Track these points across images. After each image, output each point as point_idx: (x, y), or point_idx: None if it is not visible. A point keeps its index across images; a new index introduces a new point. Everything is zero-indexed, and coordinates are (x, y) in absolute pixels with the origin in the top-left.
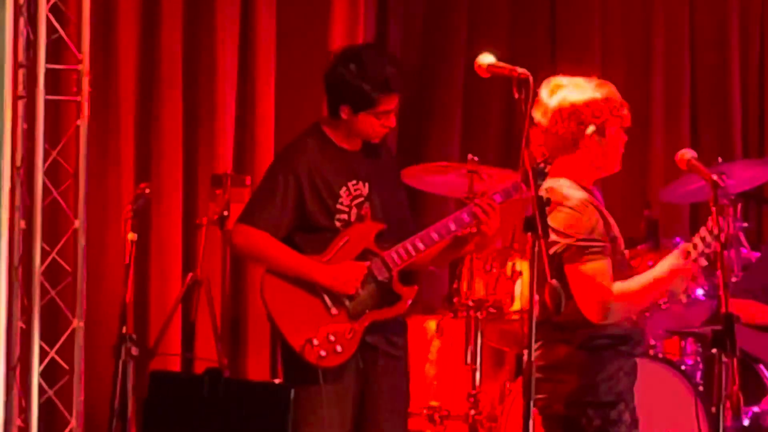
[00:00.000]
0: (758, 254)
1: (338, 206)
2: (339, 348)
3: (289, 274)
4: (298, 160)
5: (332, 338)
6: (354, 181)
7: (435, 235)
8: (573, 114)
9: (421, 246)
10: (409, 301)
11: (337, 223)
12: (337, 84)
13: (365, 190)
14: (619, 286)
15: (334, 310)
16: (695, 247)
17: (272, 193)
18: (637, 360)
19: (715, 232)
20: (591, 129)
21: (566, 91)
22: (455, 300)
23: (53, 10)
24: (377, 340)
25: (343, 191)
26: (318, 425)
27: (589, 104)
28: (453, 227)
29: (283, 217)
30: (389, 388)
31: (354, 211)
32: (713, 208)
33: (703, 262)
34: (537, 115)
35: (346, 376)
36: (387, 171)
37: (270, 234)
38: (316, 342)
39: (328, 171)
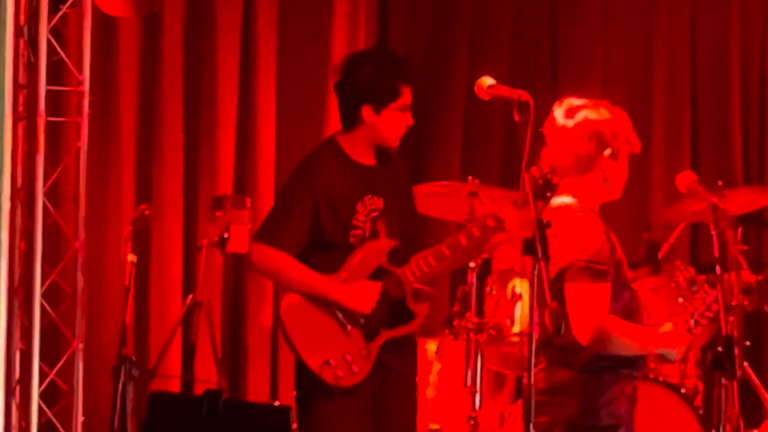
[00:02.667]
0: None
1: (354, 222)
2: (356, 368)
3: (305, 292)
4: (315, 177)
5: (348, 358)
6: (369, 196)
7: (447, 251)
8: (594, 134)
9: (433, 262)
10: (422, 319)
11: (352, 239)
12: (357, 85)
13: (380, 204)
14: (617, 320)
15: (349, 329)
16: (696, 323)
17: (290, 211)
18: (639, 384)
19: (713, 308)
20: (608, 152)
21: (586, 112)
22: (455, 322)
23: (53, 31)
24: (389, 358)
25: (359, 206)
26: None
27: (610, 127)
28: (464, 242)
29: (301, 234)
30: (400, 406)
31: (369, 225)
32: (713, 231)
33: (699, 331)
34: (550, 134)
35: (360, 394)
36: (401, 184)
37: (288, 253)
38: (333, 362)
39: (345, 186)
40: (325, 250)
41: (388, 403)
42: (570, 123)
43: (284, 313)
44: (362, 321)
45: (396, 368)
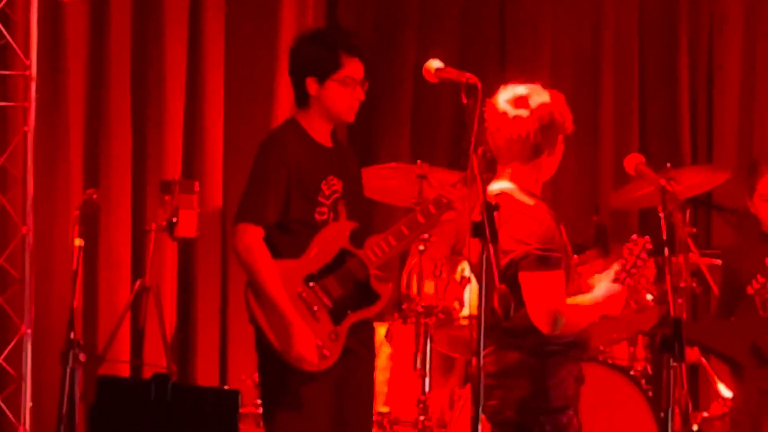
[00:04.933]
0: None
1: (320, 198)
2: (327, 352)
3: (272, 301)
4: (283, 153)
5: (319, 342)
6: (331, 176)
7: (405, 230)
8: (551, 121)
9: (393, 242)
10: (387, 299)
11: (317, 216)
12: (300, 57)
13: (340, 186)
14: (570, 301)
15: (317, 313)
16: (627, 275)
17: (266, 187)
18: (588, 365)
19: (642, 257)
20: (559, 136)
21: (540, 96)
22: (405, 306)
23: (1, 15)
24: (351, 342)
25: (323, 185)
26: (302, 421)
27: (558, 113)
28: (422, 220)
29: (279, 209)
30: (362, 390)
31: (330, 204)
32: (662, 214)
33: (630, 282)
34: (496, 122)
35: (326, 378)
36: (354, 170)
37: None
38: (309, 352)
39: (310, 164)
40: (289, 231)
41: (351, 387)
42: (524, 112)
43: (252, 299)
44: (330, 303)
45: (357, 351)
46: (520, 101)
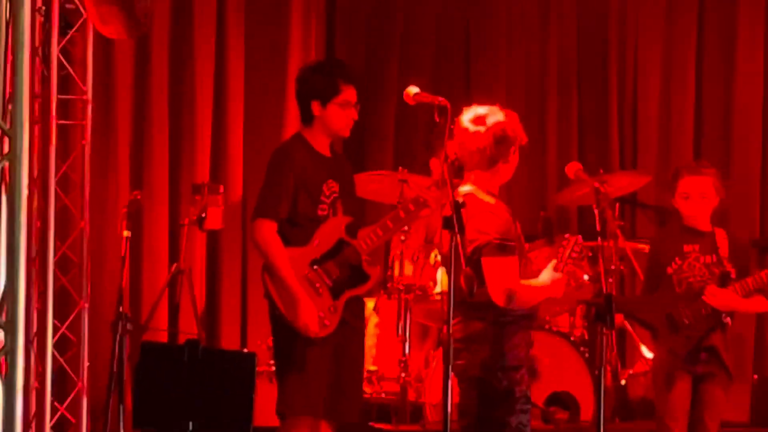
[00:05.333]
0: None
1: (322, 198)
2: (327, 322)
3: (281, 278)
4: (292, 160)
5: (321, 314)
6: (330, 181)
7: (390, 224)
8: (501, 138)
9: (381, 233)
10: (376, 279)
11: (320, 212)
12: (306, 85)
13: (337, 188)
14: (523, 282)
15: (320, 290)
16: (564, 265)
17: (278, 189)
18: (537, 333)
19: (576, 249)
20: (512, 150)
21: (495, 116)
22: (389, 284)
23: (62, 51)
24: (346, 314)
25: (324, 187)
26: (307, 378)
27: (511, 128)
28: (403, 215)
29: (288, 207)
30: (355, 353)
31: (330, 203)
32: (596, 210)
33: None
34: (461, 137)
35: (327, 343)
36: (348, 175)
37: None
38: (315, 321)
39: (313, 171)
40: (297, 224)
41: (346, 351)
42: (482, 129)
43: (268, 279)
44: (330, 282)
45: (351, 322)
46: (479, 120)
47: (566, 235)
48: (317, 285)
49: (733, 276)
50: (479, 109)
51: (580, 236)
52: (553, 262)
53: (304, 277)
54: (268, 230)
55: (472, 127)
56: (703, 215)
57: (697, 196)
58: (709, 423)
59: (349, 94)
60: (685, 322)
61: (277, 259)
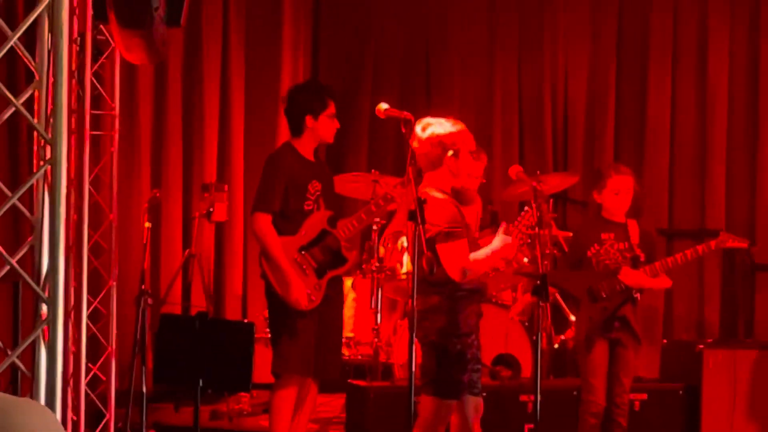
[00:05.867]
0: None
1: (308, 195)
2: (313, 297)
3: (277, 265)
4: (283, 164)
5: (309, 291)
6: (314, 181)
7: (364, 216)
8: (439, 143)
9: (356, 224)
10: (353, 262)
11: (306, 207)
12: (298, 102)
13: (320, 187)
14: (471, 256)
15: (307, 272)
16: (510, 228)
17: (273, 188)
18: (485, 305)
19: (527, 224)
20: (450, 153)
21: (433, 127)
22: (364, 266)
23: (95, 74)
24: (329, 291)
25: (309, 186)
26: (297, 343)
27: (449, 136)
28: (374, 209)
29: (279, 202)
30: (334, 322)
31: (314, 200)
32: (534, 205)
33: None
34: (414, 143)
35: (312, 315)
36: (329, 177)
37: (276, 211)
38: (304, 297)
39: (300, 172)
40: (287, 217)
41: (327, 320)
42: (424, 136)
43: (264, 262)
44: (315, 265)
45: (332, 297)
46: (424, 129)
47: (525, 207)
48: (305, 267)
49: (642, 259)
50: (427, 120)
51: (534, 210)
52: (503, 227)
53: (294, 261)
54: (264, 222)
55: (419, 136)
56: (622, 209)
57: (624, 192)
58: (624, 379)
59: (332, 107)
60: (603, 296)
61: (272, 247)
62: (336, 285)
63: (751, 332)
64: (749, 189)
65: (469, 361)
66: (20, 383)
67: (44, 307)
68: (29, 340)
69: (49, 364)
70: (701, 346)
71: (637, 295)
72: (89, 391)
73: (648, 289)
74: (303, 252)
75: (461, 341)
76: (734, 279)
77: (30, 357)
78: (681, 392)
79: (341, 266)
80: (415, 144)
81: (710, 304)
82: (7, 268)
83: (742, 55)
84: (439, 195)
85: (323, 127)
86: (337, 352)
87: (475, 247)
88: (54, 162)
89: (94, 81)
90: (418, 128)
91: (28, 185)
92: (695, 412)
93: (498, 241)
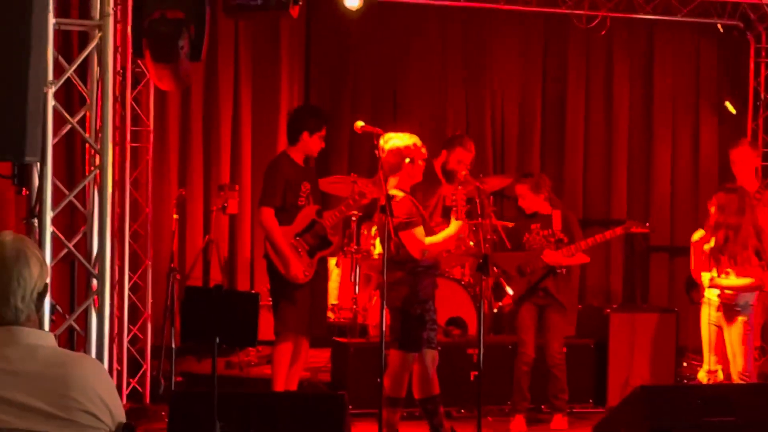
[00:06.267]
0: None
1: (300, 193)
2: (307, 274)
3: (278, 249)
4: (282, 168)
5: (303, 269)
6: (305, 182)
7: (344, 208)
8: (398, 153)
9: (338, 214)
10: (337, 245)
11: (299, 202)
12: (301, 120)
13: (309, 186)
14: (428, 239)
15: (302, 254)
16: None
17: (274, 188)
18: (440, 279)
19: (461, 200)
20: (408, 160)
21: (394, 140)
22: (346, 248)
23: (134, 98)
24: (318, 268)
25: (302, 186)
26: (294, 309)
27: (406, 148)
28: (352, 203)
29: (279, 199)
30: (321, 293)
31: (306, 196)
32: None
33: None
34: (380, 153)
35: (306, 287)
36: (314, 178)
37: (277, 206)
38: (300, 274)
39: (295, 175)
40: (285, 210)
41: (316, 291)
42: (387, 147)
43: (269, 246)
44: (307, 248)
45: (320, 273)
46: (386, 142)
47: (453, 191)
48: (299, 250)
49: (565, 241)
50: (389, 135)
51: (460, 189)
52: (454, 216)
53: (291, 245)
54: (268, 214)
55: (383, 147)
56: (529, 207)
57: (525, 196)
58: (552, 340)
59: (324, 130)
60: (527, 271)
61: (275, 234)
62: (323, 263)
63: (647, 299)
64: (645, 186)
65: (427, 322)
66: (75, 341)
67: (94, 281)
68: (83, 307)
69: (99, 326)
70: (608, 311)
71: (562, 270)
72: (130, 347)
73: (571, 265)
74: (298, 238)
75: (421, 306)
76: (634, 257)
77: (83, 321)
78: (592, 347)
79: (328, 248)
80: (381, 154)
81: (615, 277)
82: (66, 250)
83: (639, 79)
84: (400, 194)
85: (313, 143)
86: (323, 314)
87: (432, 232)
88: (102, 167)
89: (133, 104)
90: (381, 141)
91: (81, 186)
92: (603, 362)
93: (453, 226)
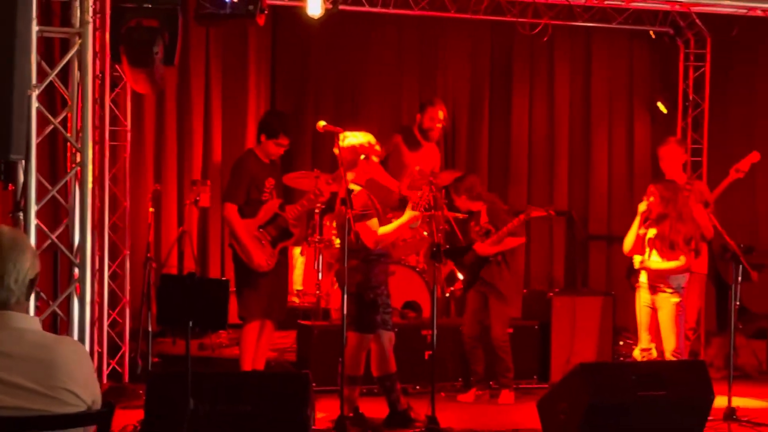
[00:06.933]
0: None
1: (264, 189)
2: (270, 263)
3: (240, 241)
4: (247, 165)
5: (266, 258)
6: (269, 178)
7: (305, 202)
8: (354, 150)
9: (300, 208)
10: (297, 235)
11: (263, 197)
12: (265, 123)
13: (273, 182)
14: (381, 229)
15: (264, 244)
16: (415, 207)
17: (239, 184)
18: (395, 266)
19: (420, 208)
20: (363, 156)
21: (350, 139)
22: (309, 238)
23: (112, 100)
24: (279, 257)
25: (266, 182)
26: (257, 295)
27: (361, 145)
28: (313, 197)
29: (244, 195)
30: (284, 280)
31: (269, 191)
32: (430, 195)
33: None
34: (338, 150)
35: (269, 275)
36: (278, 174)
37: (240, 203)
38: (263, 263)
39: (259, 172)
40: (250, 204)
41: (279, 278)
42: (345, 144)
43: (233, 238)
44: (270, 238)
45: (282, 262)
46: (344, 140)
47: (431, 192)
48: (262, 240)
49: (494, 231)
50: (346, 134)
51: (429, 189)
52: (410, 205)
53: (254, 236)
54: (230, 210)
55: (341, 145)
56: (465, 206)
57: (455, 199)
58: (493, 325)
59: (283, 139)
60: (466, 264)
61: (237, 228)
62: (285, 253)
63: (586, 283)
64: (584, 178)
65: (380, 306)
66: (59, 325)
67: (76, 270)
68: (66, 294)
69: (80, 311)
70: (551, 294)
71: (499, 258)
72: (110, 331)
73: (507, 250)
74: (261, 229)
75: (373, 291)
76: (574, 245)
77: (66, 306)
78: (536, 328)
79: (289, 239)
80: (338, 151)
81: (557, 263)
82: (49, 241)
83: (578, 81)
84: (357, 188)
85: (269, 147)
86: (285, 299)
87: (387, 222)
88: (82, 164)
89: (112, 106)
90: (341, 138)
91: (63, 181)
92: (546, 342)
93: (406, 215)
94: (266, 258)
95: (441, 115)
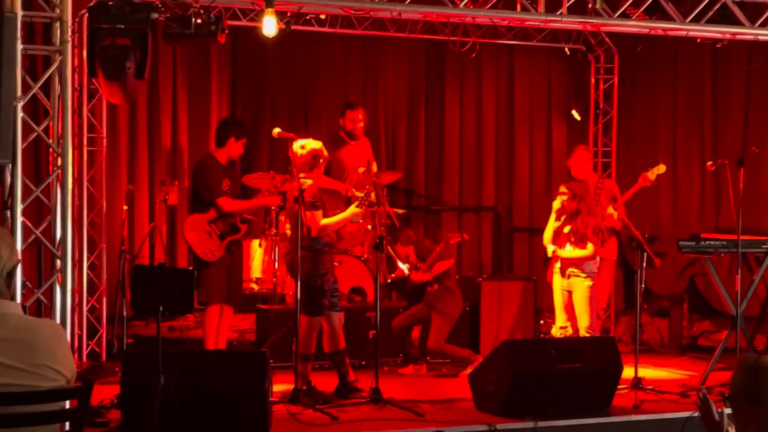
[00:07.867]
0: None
1: (223, 188)
2: (216, 254)
3: (251, 208)
4: (211, 166)
5: (212, 248)
6: (226, 178)
7: (263, 197)
8: (312, 154)
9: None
10: (243, 232)
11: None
12: (230, 127)
13: (229, 183)
14: (324, 221)
15: (213, 237)
16: (360, 204)
17: (212, 179)
18: (342, 256)
19: (365, 201)
20: (321, 161)
21: (312, 144)
22: (266, 232)
23: (90, 110)
24: (231, 248)
25: (224, 182)
26: (213, 285)
27: (319, 149)
28: (266, 195)
29: (220, 187)
30: (237, 268)
31: (225, 191)
32: (372, 192)
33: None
34: (294, 155)
35: (221, 264)
36: (236, 176)
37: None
38: (207, 252)
39: (218, 173)
40: (203, 201)
41: (234, 267)
42: (301, 150)
43: (185, 231)
44: (218, 232)
45: (235, 252)
46: (302, 147)
47: (375, 190)
48: (211, 234)
49: (419, 264)
50: (303, 141)
51: (371, 189)
52: (356, 203)
53: (204, 230)
54: (224, 202)
55: (298, 151)
56: (404, 250)
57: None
58: (432, 336)
59: (245, 140)
60: (407, 291)
61: (243, 205)
62: (239, 245)
63: (511, 270)
64: (509, 178)
65: (327, 291)
66: (43, 311)
67: (58, 261)
68: (49, 283)
69: (62, 298)
70: (480, 279)
71: (434, 286)
72: (88, 315)
73: (440, 273)
74: (211, 224)
75: (320, 278)
76: (500, 236)
77: (49, 294)
78: (468, 309)
79: (237, 234)
80: (296, 154)
81: (485, 252)
82: (34, 236)
83: (503, 92)
84: (309, 181)
85: (236, 148)
86: (241, 286)
87: (333, 214)
88: (63, 168)
89: (89, 115)
90: (296, 146)
91: (46, 183)
92: (476, 321)
93: (349, 210)
94: (211, 249)
95: (360, 116)
